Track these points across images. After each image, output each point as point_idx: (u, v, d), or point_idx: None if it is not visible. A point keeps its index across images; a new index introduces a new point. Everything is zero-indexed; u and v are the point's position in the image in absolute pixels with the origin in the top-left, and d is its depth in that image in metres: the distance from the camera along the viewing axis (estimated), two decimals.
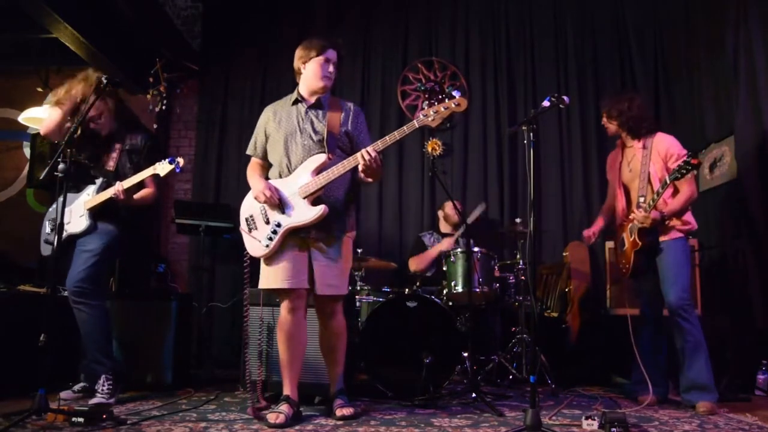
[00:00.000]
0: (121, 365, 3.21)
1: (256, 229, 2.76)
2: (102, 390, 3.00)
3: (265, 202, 2.72)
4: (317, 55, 2.81)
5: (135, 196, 3.20)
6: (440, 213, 4.68)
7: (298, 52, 2.88)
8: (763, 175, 3.77)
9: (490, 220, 4.99)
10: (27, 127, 5.33)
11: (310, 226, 2.69)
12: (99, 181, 3.16)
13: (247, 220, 2.81)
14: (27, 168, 5.15)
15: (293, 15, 5.45)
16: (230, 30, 5.46)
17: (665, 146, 3.17)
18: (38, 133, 4.88)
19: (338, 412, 2.71)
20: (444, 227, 4.63)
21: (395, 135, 2.65)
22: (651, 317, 3.26)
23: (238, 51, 5.45)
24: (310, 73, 2.82)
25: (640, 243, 3.10)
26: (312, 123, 2.81)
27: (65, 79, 3.26)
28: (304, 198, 2.68)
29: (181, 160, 3.11)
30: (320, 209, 2.65)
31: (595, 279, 4.66)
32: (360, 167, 2.65)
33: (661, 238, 3.13)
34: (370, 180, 2.77)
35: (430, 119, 2.62)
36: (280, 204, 2.71)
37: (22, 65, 5.40)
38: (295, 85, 2.96)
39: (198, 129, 5.44)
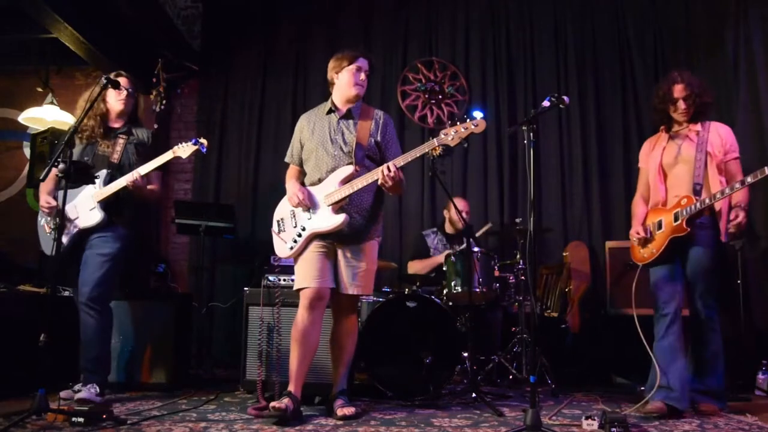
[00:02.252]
0: (107, 376, 3.17)
1: (285, 231, 2.90)
2: (90, 391, 2.95)
3: (297, 205, 2.82)
4: (349, 64, 2.90)
5: (147, 188, 3.20)
6: (446, 213, 4.62)
7: (331, 64, 2.97)
8: None
9: (490, 220, 4.98)
10: (27, 127, 5.33)
11: (333, 233, 2.77)
12: (102, 173, 3.12)
13: (278, 222, 2.94)
14: (27, 168, 5.15)
15: (293, 15, 5.44)
16: (230, 30, 5.46)
17: (725, 134, 2.94)
18: (38, 133, 4.88)
19: (339, 412, 2.72)
20: (449, 228, 4.60)
21: (415, 153, 2.73)
22: (672, 314, 2.89)
23: (238, 51, 5.45)
24: (343, 81, 2.92)
25: (687, 229, 2.81)
26: (343, 134, 2.89)
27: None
28: (329, 206, 2.78)
29: (204, 141, 3.10)
30: (341, 218, 2.74)
31: (595, 279, 4.66)
32: (379, 182, 2.71)
33: (699, 231, 2.87)
34: (391, 193, 2.86)
35: (449, 138, 2.69)
36: (309, 209, 2.81)
37: (22, 65, 5.39)
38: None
39: (198, 129, 5.43)
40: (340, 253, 2.82)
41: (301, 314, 2.77)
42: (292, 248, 2.84)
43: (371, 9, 5.42)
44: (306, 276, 2.78)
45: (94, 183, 3.07)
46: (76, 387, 3.12)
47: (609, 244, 4.38)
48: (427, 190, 5.09)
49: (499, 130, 5.13)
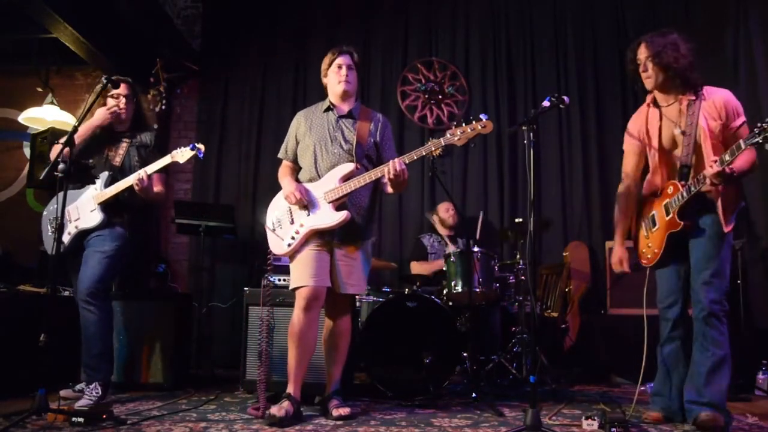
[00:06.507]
0: (111, 373, 3.17)
1: (281, 228, 2.87)
2: (91, 393, 2.96)
3: (295, 203, 2.80)
4: (330, 64, 2.94)
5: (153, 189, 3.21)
6: (435, 217, 4.66)
7: (322, 66, 3.00)
8: (763, 175, 3.77)
9: (490, 221, 4.99)
10: (27, 127, 5.32)
11: (332, 230, 2.77)
12: (104, 176, 3.15)
13: (273, 219, 2.92)
14: (27, 168, 5.15)
15: (293, 15, 5.44)
16: (230, 30, 5.46)
17: (723, 100, 2.51)
18: (38, 133, 4.88)
19: (335, 413, 2.71)
20: (442, 230, 4.61)
21: (421, 151, 2.77)
22: (675, 318, 2.64)
23: (238, 51, 5.45)
24: (331, 81, 2.96)
25: (681, 223, 2.48)
26: (342, 132, 2.91)
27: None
28: (329, 203, 2.77)
29: (202, 147, 3.10)
30: (342, 215, 2.74)
31: (595, 279, 4.67)
32: (387, 177, 2.72)
33: (700, 218, 2.50)
34: (391, 191, 2.88)
35: (456, 138, 2.75)
36: (307, 206, 2.80)
37: (22, 65, 5.38)
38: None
39: (198, 129, 5.44)
40: (336, 252, 2.82)
41: (297, 315, 2.76)
42: (290, 245, 2.79)
43: (371, 9, 5.42)
44: (303, 275, 2.75)
45: (94, 183, 3.13)
46: (78, 387, 3.13)
47: (609, 244, 4.36)
48: (427, 190, 5.09)
49: (499, 130, 5.12)
